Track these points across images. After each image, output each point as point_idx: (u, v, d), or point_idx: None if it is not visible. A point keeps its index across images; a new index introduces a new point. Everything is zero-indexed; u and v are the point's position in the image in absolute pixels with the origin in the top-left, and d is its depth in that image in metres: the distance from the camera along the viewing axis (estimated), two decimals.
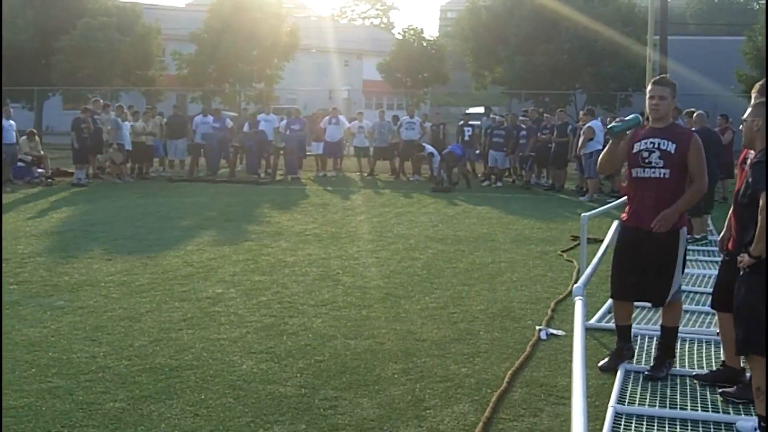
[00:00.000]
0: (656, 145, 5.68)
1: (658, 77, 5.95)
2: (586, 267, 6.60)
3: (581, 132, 18.14)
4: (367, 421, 4.90)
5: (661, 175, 5.66)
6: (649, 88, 5.84)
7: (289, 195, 17.72)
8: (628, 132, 5.84)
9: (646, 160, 5.71)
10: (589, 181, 18.08)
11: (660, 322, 6.13)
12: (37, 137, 21.20)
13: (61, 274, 8.92)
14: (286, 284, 8.62)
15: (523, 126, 20.94)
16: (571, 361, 4.66)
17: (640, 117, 5.93)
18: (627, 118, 5.92)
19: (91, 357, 6.05)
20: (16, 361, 5.90)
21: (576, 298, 4.53)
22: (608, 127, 5.93)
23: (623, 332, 6.07)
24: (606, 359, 6.03)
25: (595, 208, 10.54)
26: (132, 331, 6.74)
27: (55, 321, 7.02)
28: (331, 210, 15.11)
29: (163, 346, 6.34)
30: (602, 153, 6.14)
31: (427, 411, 5.09)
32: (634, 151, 5.79)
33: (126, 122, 20.29)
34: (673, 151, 5.64)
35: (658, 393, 5.50)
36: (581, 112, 20.68)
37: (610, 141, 5.93)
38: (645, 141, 5.75)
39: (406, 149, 22.34)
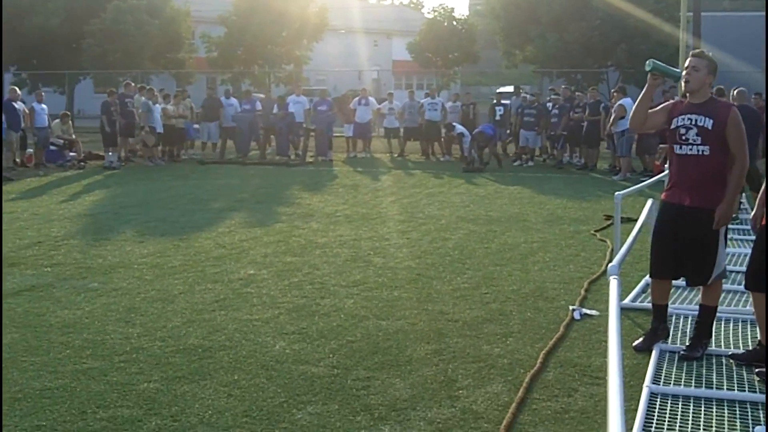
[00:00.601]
0: (693, 122, 5.56)
1: (697, 51, 5.85)
2: (620, 246, 6.53)
3: (612, 110, 17.98)
4: (400, 402, 4.88)
5: (700, 152, 5.53)
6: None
7: (319, 176, 17.74)
8: (663, 76, 5.74)
9: (684, 137, 5.59)
10: (622, 159, 17.94)
11: (696, 301, 6.05)
12: (70, 120, 21.35)
13: (94, 257, 8.99)
14: (317, 265, 8.63)
15: (550, 104, 20.78)
16: (604, 341, 4.62)
17: (682, 75, 5.76)
18: (672, 67, 5.85)
19: (125, 338, 6.10)
20: (51, 343, 5.95)
21: (611, 277, 4.47)
22: (648, 60, 5.79)
23: (659, 311, 5.98)
24: (640, 339, 5.96)
25: (628, 187, 10.41)
26: (165, 313, 6.79)
27: (89, 303, 7.09)
28: (361, 191, 15.10)
29: (196, 327, 6.37)
30: (636, 102, 5.98)
31: (460, 391, 5.06)
32: (672, 127, 5.67)
33: (157, 105, 20.38)
34: (710, 127, 5.50)
35: (694, 373, 5.42)
36: (612, 91, 20.47)
37: (646, 85, 5.80)
38: (682, 117, 5.63)
39: (428, 130, 22.27)
